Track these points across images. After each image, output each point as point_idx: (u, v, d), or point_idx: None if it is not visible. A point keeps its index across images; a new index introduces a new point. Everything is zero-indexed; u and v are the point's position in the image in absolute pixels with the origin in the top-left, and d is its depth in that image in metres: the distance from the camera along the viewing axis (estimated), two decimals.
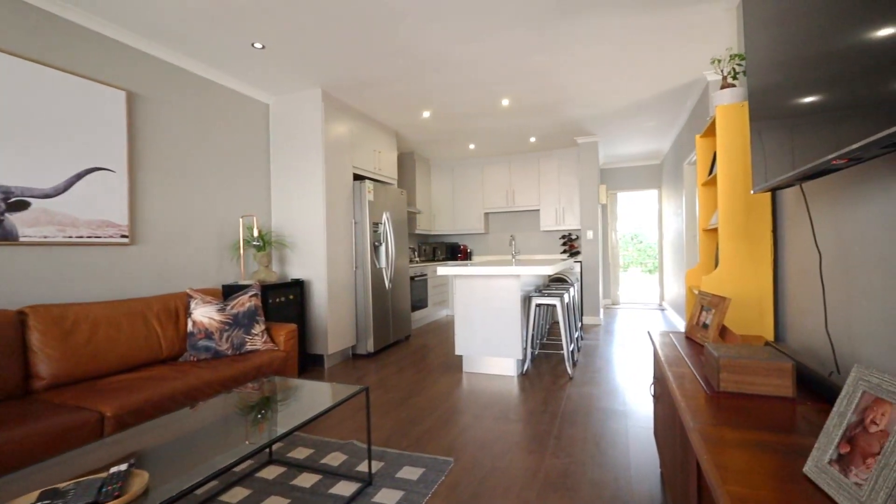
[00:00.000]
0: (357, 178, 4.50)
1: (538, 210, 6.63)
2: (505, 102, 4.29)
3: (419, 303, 5.70)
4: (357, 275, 4.24)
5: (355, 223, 4.24)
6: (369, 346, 4.21)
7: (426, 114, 4.59)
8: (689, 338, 1.94)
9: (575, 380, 3.32)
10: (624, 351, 4.23)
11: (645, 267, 13.29)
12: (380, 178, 4.77)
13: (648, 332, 2.14)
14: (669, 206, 6.38)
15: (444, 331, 5.45)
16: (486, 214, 7.01)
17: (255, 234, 3.43)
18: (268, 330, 2.89)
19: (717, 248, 2.39)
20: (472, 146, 6.05)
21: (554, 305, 4.00)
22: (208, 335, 2.58)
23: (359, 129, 4.36)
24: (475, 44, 3.07)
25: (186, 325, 2.65)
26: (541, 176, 6.42)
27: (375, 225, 4.33)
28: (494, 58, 3.31)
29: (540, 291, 4.06)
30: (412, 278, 5.48)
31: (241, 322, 2.70)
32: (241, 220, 3.53)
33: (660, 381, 1.81)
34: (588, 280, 5.75)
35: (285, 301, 3.52)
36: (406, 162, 6.37)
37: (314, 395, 1.89)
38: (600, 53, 3.27)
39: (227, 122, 3.55)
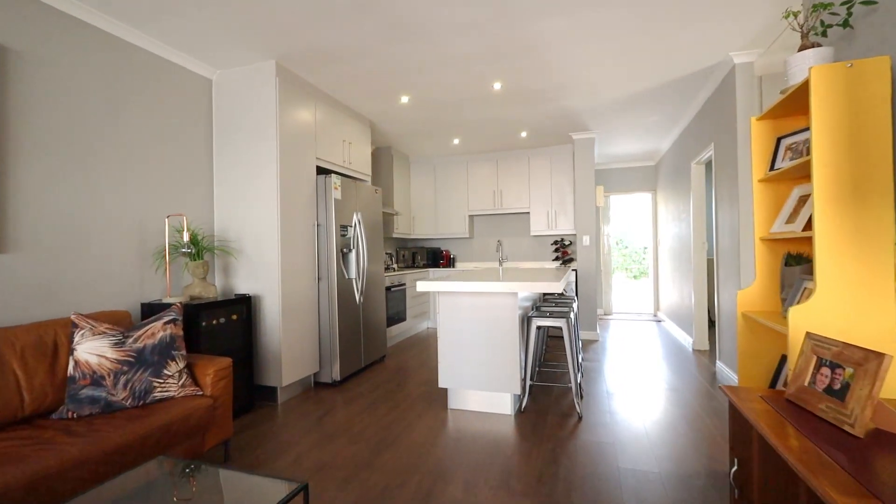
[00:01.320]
0: (322, 171, 3.81)
1: (528, 213, 6.05)
2: (497, 86, 3.68)
3: (397, 316, 5.02)
4: (321, 287, 3.54)
5: (318, 226, 3.55)
6: (335, 374, 3.52)
7: (404, 99, 3.94)
8: (797, 404, 1.33)
9: (586, 421, 2.71)
10: (634, 376, 3.66)
11: (629, 272, 12.96)
12: (350, 173, 4.09)
13: (724, 390, 1.54)
14: (668, 211, 5.90)
15: (426, 348, 4.79)
16: (471, 217, 6.40)
17: (186, 238, 2.70)
18: (190, 368, 2.18)
19: (783, 263, 1.82)
20: (456, 141, 5.42)
21: (558, 328, 3.39)
22: (97, 380, 1.85)
23: (325, 115, 3.67)
24: (465, 6, 2.45)
25: (68, 365, 1.92)
26: (531, 175, 5.85)
27: (344, 228, 3.64)
28: (488, 24, 2.69)
29: (537, 309, 3.45)
30: (388, 289, 4.81)
31: (149, 360, 1.99)
32: (166, 220, 2.79)
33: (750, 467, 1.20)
34: (584, 290, 5.19)
35: (226, 323, 2.80)
36: (382, 158, 5.69)
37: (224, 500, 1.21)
38: (612, 20, 2.69)
39: (153, 97, 2.81)
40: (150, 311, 2.61)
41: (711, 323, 5.69)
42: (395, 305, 5.00)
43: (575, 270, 5.30)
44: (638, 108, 4.33)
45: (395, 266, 5.96)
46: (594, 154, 5.10)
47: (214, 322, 2.72)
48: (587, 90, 3.83)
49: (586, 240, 5.17)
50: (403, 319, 5.21)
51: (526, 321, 3.15)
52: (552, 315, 2.96)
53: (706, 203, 4.59)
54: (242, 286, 3.19)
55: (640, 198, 7.29)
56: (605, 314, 7.03)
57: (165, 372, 2.01)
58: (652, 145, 5.87)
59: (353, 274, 3.76)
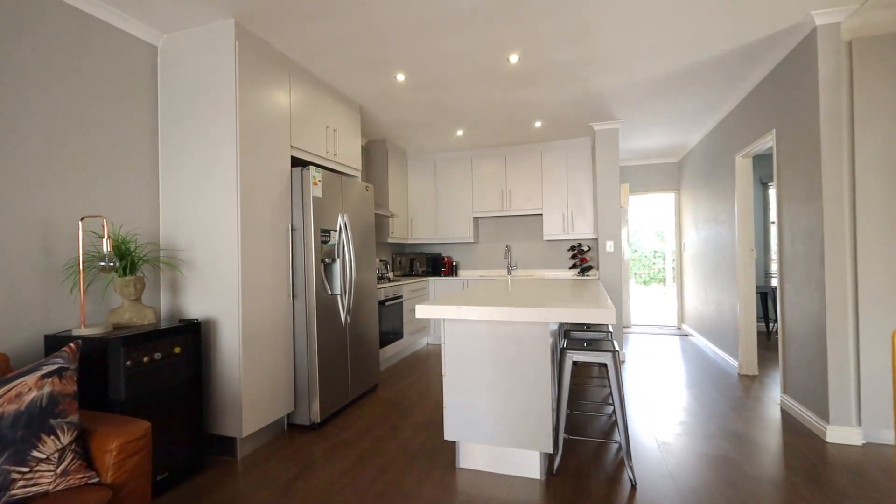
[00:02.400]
0: (299, 163, 3.13)
1: (540, 214, 5.38)
2: (513, 59, 3.01)
3: (392, 334, 4.33)
4: (296, 307, 2.86)
5: (293, 230, 2.87)
6: (314, 414, 2.83)
7: (400, 77, 3.27)
8: None
9: (643, 490, 2.03)
10: (682, 412, 2.98)
11: (639, 278, 12.33)
12: (335, 166, 3.41)
13: None
14: (697, 212, 5.24)
15: (426, 371, 4.11)
16: (476, 220, 5.73)
17: (106, 247, 2.01)
18: (83, 441, 1.49)
19: None
20: (460, 132, 4.76)
21: (603, 365, 2.68)
22: None
23: (303, 94, 3.00)
24: None
25: None
26: (544, 173, 5.18)
27: (326, 233, 2.97)
28: None
29: (568, 336, 2.77)
30: (382, 303, 4.12)
31: (6, 437, 1.30)
32: (80, 223, 2.10)
33: None
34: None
35: (165, 359, 2.11)
36: (376, 153, 5.02)
37: None
38: None
39: (71, 67, 2.13)
40: (58, 347, 1.92)
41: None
42: (391, 321, 4.32)
43: (595, 280, 4.63)
44: (674, 91, 3.67)
45: (389, 275, 5.27)
46: (618, 147, 4.45)
47: (147, 359, 2.03)
48: (620, 65, 3.17)
49: (610, 245, 4.50)
50: (400, 337, 4.53)
51: (558, 355, 2.48)
52: (591, 347, 2.28)
53: (756, 202, 3.93)
54: (194, 308, 2.50)
55: (661, 198, 6.64)
56: (623, 326, 6.35)
57: (35, 454, 1.32)
58: (678, 139, 5.22)
59: (337, 289, 3.07)
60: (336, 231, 3.08)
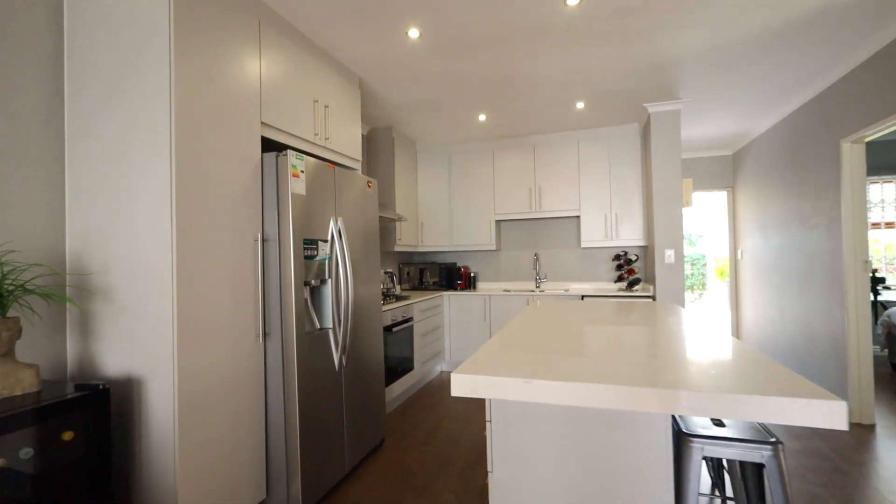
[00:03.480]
0: (273, 147, 2.30)
1: (577, 217, 4.54)
2: (572, 1, 2.18)
3: (400, 367, 3.50)
4: (269, 350, 2.03)
5: (265, 241, 2.04)
6: (294, 500, 1.99)
7: (413, 32, 2.45)
8: None
9: None
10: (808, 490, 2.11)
11: None
12: (327, 154, 2.58)
13: None
14: (767, 214, 4.37)
15: (445, 412, 3.26)
16: (499, 223, 4.89)
17: None
18: None
19: None
20: (482, 117, 3.92)
21: (761, 466, 1.73)
22: None
23: (279, 53, 2.17)
24: None
25: None
26: (582, 167, 4.34)
27: (312, 244, 2.14)
28: None
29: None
30: (389, 328, 3.29)
31: None
32: None
33: None
34: None
35: (42, 455, 1.29)
36: (380, 143, 4.20)
37: None
38: None
39: None
40: None
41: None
42: (399, 349, 3.48)
43: (649, 297, 3.78)
44: (766, 57, 2.82)
45: (396, 289, 4.44)
46: (680, 134, 3.61)
47: (2, 462, 1.21)
48: (704, 14, 2.33)
49: (669, 255, 3.64)
50: (410, 368, 3.69)
51: (676, 445, 1.63)
52: (729, 436, 1.42)
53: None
54: (114, 360, 1.67)
55: (707, 197, 5.77)
56: None
57: None
58: (740, 127, 4.36)
59: (328, 320, 2.24)
60: (326, 241, 2.25)
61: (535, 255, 4.68)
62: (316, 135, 2.43)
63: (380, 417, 2.74)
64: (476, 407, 3.48)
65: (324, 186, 2.25)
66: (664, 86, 3.30)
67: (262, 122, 2.04)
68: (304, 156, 2.12)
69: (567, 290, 4.34)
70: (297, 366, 2.00)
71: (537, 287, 4.67)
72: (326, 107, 2.54)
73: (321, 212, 2.22)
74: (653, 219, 3.70)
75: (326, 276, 2.24)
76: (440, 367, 4.55)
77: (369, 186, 2.72)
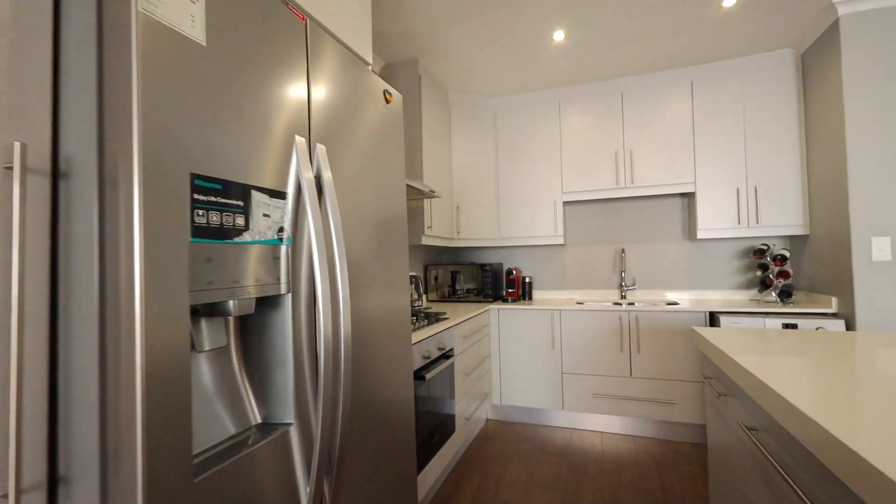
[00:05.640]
0: None
1: (688, 195, 3.11)
2: None
3: (438, 430, 2.10)
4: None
5: (55, 178, 0.67)
6: None
7: None
8: None
9: None
10: None
11: None
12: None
13: None
14: None
15: (499, 477, 1.88)
16: (566, 206, 3.49)
17: None
18: None
19: None
20: (558, 35, 2.53)
21: None
22: None
23: None
24: None
25: None
26: (699, 119, 2.92)
27: (222, 196, 0.77)
28: None
29: None
30: (419, 373, 1.90)
31: None
32: None
33: None
34: None
35: None
36: (400, 86, 2.83)
37: None
38: None
39: None
40: None
41: None
42: (432, 402, 2.09)
43: (831, 315, 2.35)
44: None
45: (422, 300, 3.08)
46: (891, 50, 2.19)
47: None
48: None
49: (882, 248, 2.19)
50: (451, 430, 2.29)
51: None
52: None
53: None
54: None
55: None
56: None
57: None
58: None
59: (283, 409, 0.86)
60: (282, 197, 0.88)
61: (621, 251, 3.27)
62: None
63: None
64: (550, 468, 2.07)
65: (276, 55, 0.88)
66: None
67: None
68: None
69: (676, 304, 2.91)
70: None
71: (623, 297, 3.25)
72: None
73: (265, 119, 0.85)
74: (846, 189, 2.26)
75: (283, 287, 0.87)
76: (486, 414, 3.15)
77: (388, 100, 1.35)
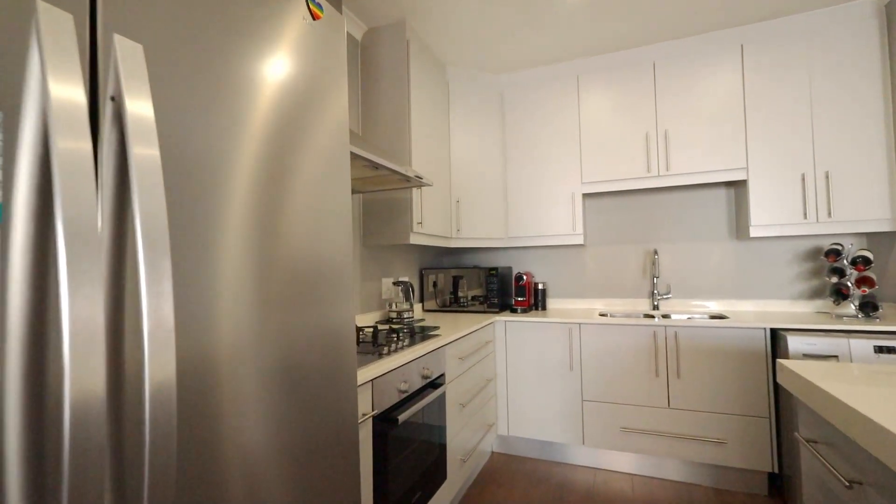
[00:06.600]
0: None
1: (737, 183, 2.57)
2: None
3: (425, 478, 1.61)
4: None
5: None
6: None
7: None
8: None
9: None
10: None
11: None
12: None
13: None
14: None
15: None
16: (586, 199, 2.99)
17: None
18: None
19: None
20: None
21: None
22: None
23: None
24: None
25: None
26: (751, 90, 2.38)
27: None
28: None
29: None
30: (390, 418, 1.42)
31: None
32: None
33: None
34: None
35: None
36: (383, 55, 2.36)
37: None
38: None
39: None
40: None
41: None
42: (416, 446, 1.60)
43: None
44: None
45: (412, 311, 2.62)
46: None
47: None
48: None
49: None
50: (441, 478, 1.80)
51: None
52: None
53: None
54: None
55: None
56: None
57: None
58: None
59: None
60: None
61: (653, 252, 2.74)
62: None
63: None
64: None
65: None
66: None
67: None
68: None
69: (724, 317, 2.37)
70: None
71: (655, 308, 2.72)
72: None
73: None
74: None
75: None
76: (490, 447, 2.64)
77: (314, 15, 0.88)
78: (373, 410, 1.31)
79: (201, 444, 0.62)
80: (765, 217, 2.33)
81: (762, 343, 2.08)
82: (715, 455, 2.14)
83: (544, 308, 2.91)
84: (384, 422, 1.38)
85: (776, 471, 2.05)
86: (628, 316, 2.64)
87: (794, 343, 1.93)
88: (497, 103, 2.92)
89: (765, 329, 2.08)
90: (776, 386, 2.08)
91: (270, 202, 0.76)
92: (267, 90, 0.76)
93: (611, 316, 2.58)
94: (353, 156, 1.52)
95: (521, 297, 2.86)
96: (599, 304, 2.94)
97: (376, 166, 1.68)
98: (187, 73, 0.62)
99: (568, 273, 3.05)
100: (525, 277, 2.85)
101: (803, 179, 2.26)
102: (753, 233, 2.35)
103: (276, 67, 0.78)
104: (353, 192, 2.28)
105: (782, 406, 2.02)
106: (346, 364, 0.95)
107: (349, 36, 2.30)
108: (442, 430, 1.82)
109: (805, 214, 2.26)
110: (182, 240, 0.60)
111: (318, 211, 0.88)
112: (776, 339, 2.08)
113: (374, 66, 2.37)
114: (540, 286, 2.93)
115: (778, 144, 2.31)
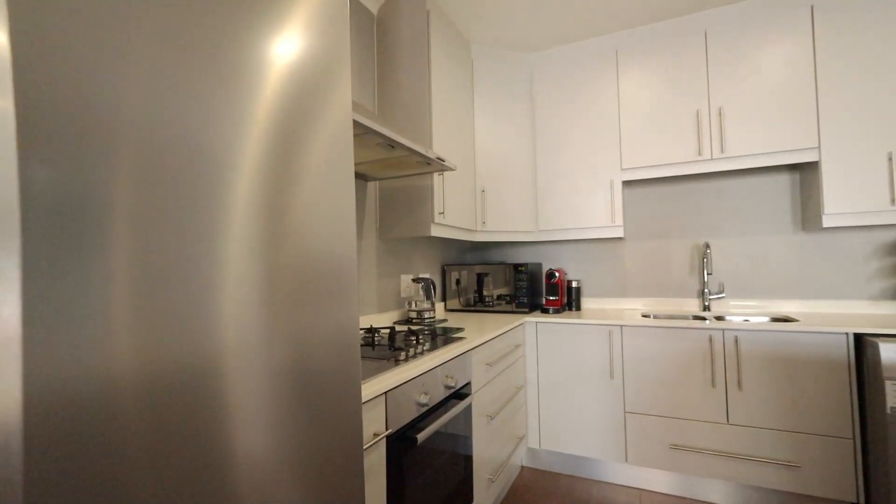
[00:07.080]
0: None
1: (807, 166, 2.24)
2: None
3: (449, 502, 1.40)
4: None
5: None
6: None
7: None
8: None
9: None
10: None
11: None
12: None
13: None
14: None
15: None
16: (625, 186, 2.72)
17: None
18: None
19: None
20: None
21: None
22: None
23: None
24: None
25: None
26: (823, 59, 2.06)
27: None
28: None
29: None
30: (408, 437, 1.20)
31: None
32: None
33: None
34: None
35: None
36: (402, 34, 2.15)
37: None
38: None
39: None
40: None
41: None
42: (438, 468, 1.39)
43: None
44: None
45: (433, 311, 2.41)
46: None
47: None
48: None
49: None
50: (469, 501, 1.58)
51: None
52: None
53: None
54: None
55: None
56: None
57: None
58: None
59: None
60: None
61: (704, 246, 2.44)
62: None
63: None
64: None
65: None
66: None
67: None
68: None
69: (793, 320, 2.06)
70: None
71: (706, 308, 2.42)
72: None
73: None
74: None
75: None
76: (520, 460, 2.40)
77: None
78: (387, 429, 1.10)
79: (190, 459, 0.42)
80: (840, 204, 2.01)
81: (843, 350, 1.77)
82: (784, 480, 1.84)
83: (578, 308, 2.65)
84: (401, 441, 1.16)
85: (860, 502, 1.74)
86: (674, 318, 2.35)
87: (889, 351, 1.62)
88: (526, 83, 2.68)
89: (847, 334, 1.77)
90: (862, 401, 1.76)
91: (270, 191, 0.56)
92: (267, 72, 0.55)
93: (654, 317, 2.30)
94: (368, 132, 1.32)
95: (552, 295, 2.60)
96: (640, 305, 2.66)
97: (392, 145, 1.47)
98: (182, 53, 0.42)
99: (604, 270, 2.77)
100: (557, 274, 2.59)
101: (890, 159, 1.93)
102: (826, 222, 2.03)
103: (274, 42, 0.57)
104: (369, 179, 2.08)
105: (869, 425, 1.70)
106: (347, 375, 0.73)
107: (364, 9, 2.11)
108: (468, 446, 1.59)
109: (893, 200, 1.93)
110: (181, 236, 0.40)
111: (316, 204, 0.67)
112: (861, 345, 1.76)
113: (391, 42, 2.16)
114: (574, 284, 2.67)
115: (857, 119, 1.99)
